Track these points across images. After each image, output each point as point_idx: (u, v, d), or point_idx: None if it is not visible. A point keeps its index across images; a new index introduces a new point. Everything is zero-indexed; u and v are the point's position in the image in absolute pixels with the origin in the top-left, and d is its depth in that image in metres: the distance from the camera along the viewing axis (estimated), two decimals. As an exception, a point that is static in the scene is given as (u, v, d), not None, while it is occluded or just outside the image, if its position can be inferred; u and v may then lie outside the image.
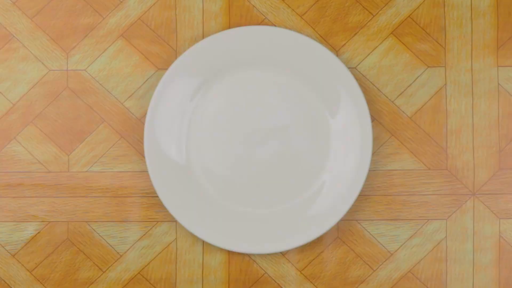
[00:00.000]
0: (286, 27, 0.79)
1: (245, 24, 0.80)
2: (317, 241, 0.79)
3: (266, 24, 0.79)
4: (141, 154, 0.80)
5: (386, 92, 0.79)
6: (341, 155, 0.78)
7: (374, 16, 0.79)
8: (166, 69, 0.80)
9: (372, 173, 0.78)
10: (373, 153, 0.78)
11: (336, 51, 0.79)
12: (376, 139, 0.79)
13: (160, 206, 0.79)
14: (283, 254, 0.79)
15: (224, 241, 0.77)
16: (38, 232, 0.80)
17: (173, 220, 0.79)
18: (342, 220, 0.78)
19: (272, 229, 0.78)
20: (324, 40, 0.79)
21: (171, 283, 0.79)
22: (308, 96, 0.78)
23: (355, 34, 0.79)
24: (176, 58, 0.80)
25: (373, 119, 0.79)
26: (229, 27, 0.80)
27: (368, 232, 0.78)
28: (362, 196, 0.78)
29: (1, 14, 0.81)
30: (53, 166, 0.80)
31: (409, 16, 0.79)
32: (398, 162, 0.78)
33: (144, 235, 0.80)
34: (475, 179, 0.78)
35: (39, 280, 0.80)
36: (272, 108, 0.78)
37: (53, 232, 0.80)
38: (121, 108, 0.80)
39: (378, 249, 0.78)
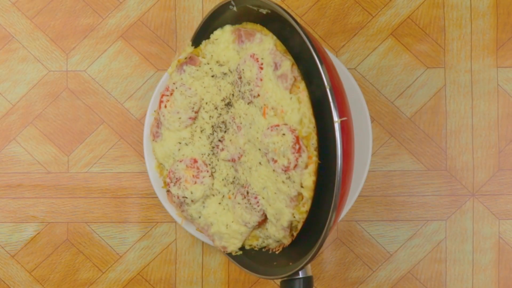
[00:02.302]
0: (285, 28, 0.79)
1: (245, 25, 0.79)
2: (317, 242, 0.79)
3: (266, 25, 0.79)
4: (140, 155, 0.80)
5: (386, 93, 0.79)
6: (341, 156, 0.77)
7: (373, 17, 0.79)
8: (166, 70, 0.79)
9: (372, 174, 0.78)
10: (373, 154, 0.78)
11: (336, 52, 0.79)
12: (375, 139, 0.79)
13: (159, 207, 0.79)
14: (282, 254, 0.79)
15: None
16: (38, 233, 0.80)
17: (172, 221, 0.79)
18: (341, 221, 0.78)
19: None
20: (323, 40, 0.79)
21: (171, 283, 0.79)
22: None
23: (355, 35, 0.79)
24: (175, 58, 0.80)
25: (372, 119, 0.79)
26: (229, 28, 0.80)
27: (368, 232, 0.78)
28: (362, 197, 0.78)
29: (1, 14, 0.81)
30: (52, 167, 0.80)
31: (408, 17, 0.79)
32: (398, 163, 0.78)
33: (143, 235, 0.80)
34: (475, 179, 0.78)
35: (38, 281, 0.80)
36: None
37: (52, 233, 0.80)
38: (121, 109, 0.80)
39: (377, 250, 0.78)
